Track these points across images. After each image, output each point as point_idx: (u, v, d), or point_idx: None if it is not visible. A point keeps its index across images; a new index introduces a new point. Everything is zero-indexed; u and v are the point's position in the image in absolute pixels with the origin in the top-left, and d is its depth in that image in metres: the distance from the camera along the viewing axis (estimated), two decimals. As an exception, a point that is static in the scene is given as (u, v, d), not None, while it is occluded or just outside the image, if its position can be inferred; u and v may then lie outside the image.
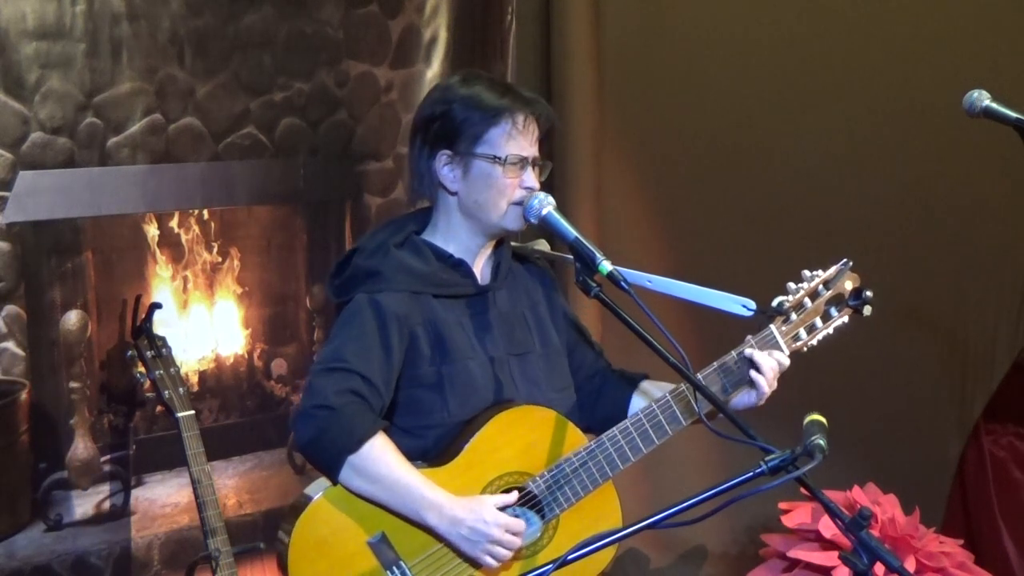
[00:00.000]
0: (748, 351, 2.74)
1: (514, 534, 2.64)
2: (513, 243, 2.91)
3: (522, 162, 2.72)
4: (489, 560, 2.64)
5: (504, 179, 2.72)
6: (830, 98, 4.51)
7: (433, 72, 4.03)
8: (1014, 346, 4.72)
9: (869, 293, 2.79)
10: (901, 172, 4.56)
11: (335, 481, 2.65)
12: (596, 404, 2.90)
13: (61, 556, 3.38)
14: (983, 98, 2.71)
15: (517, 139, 2.72)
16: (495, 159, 2.71)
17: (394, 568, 2.63)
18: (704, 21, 4.46)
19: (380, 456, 2.62)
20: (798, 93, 4.50)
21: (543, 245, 2.97)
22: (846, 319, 2.81)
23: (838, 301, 2.80)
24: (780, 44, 4.48)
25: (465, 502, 2.64)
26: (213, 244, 3.65)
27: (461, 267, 2.78)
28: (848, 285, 2.80)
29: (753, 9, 4.48)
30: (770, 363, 2.74)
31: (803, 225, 4.55)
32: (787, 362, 2.77)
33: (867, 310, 2.79)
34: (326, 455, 2.63)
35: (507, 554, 2.64)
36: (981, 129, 2.85)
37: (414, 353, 2.71)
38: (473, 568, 2.68)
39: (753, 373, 2.74)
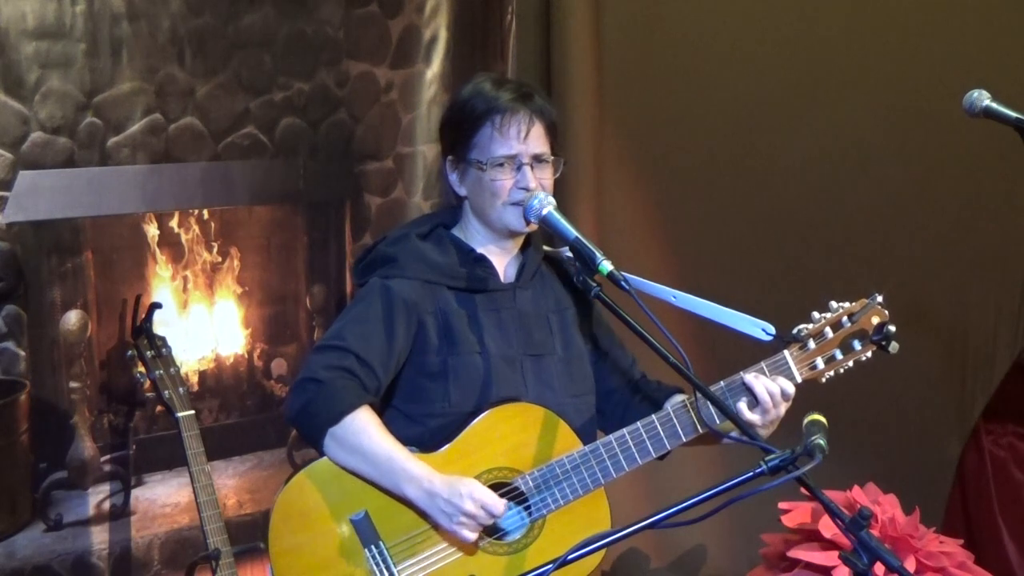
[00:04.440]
0: (746, 378, 2.72)
1: (491, 512, 2.64)
2: (546, 247, 2.92)
3: (509, 162, 2.74)
4: (465, 533, 2.65)
5: (492, 182, 2.74)
6: (829, 98, 4.51)
7: (433, 72, 4.03)
8: (1014, 346, 4.72)
9: (891, 328, 2.73)
10: (901, 172, 4.56)
11: (321, 453, 2.70)
12: (624, 417, 2.88)
13: (61, 556, 3.38)
14: (983, 98, 2.71)
15: (499, 140, 2.74)
16: (479, 163, 2.74)
17: (372, 547, 2.66)
18: (704, 21, 4.46)
19: (362, 429, 2.67)
20: (797, 93, 4.50)
21: None
22: (869, 354, 2.77)
23: (861, 335, 2.75)
24: (779, 44, 4.48)
25: (446, 477, 2.66)
26: (213, 244, 3.65)
27: (482, 262, 2.81)
28: (874, 320, 2.75)
29: (753, 9, 4.48)
30: (764, 393, 2.70)
31: (802, 224, 4.55)
32: (790, 388, 2.73)
33: (893, 347, 2.73)
34: (310, 426, 2.69)
35: (479, 527, 2.65)
36: (981, 129, 2.84)
37: (422, 341, 2.75)
38: (451, 554, 2.70)
39: (742, 408, 2.72)
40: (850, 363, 2.77)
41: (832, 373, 2.77)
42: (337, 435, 2.67)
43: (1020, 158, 2.63)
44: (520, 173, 2.75)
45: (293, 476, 2.74)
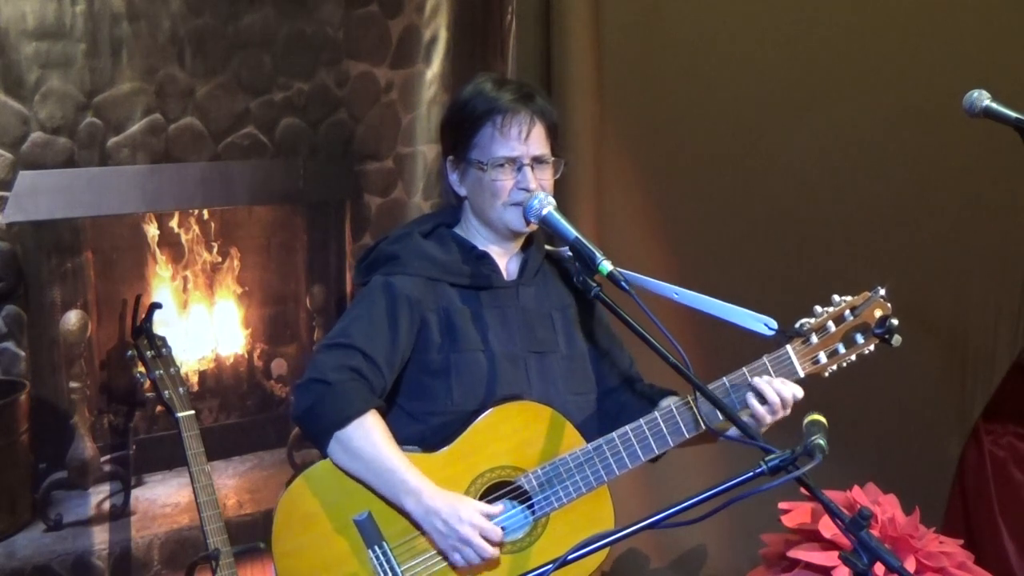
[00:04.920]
0: (755, 380, 2.72)
1: (489, 540, 2.64)
2: (548, 246, 2.92)
3: (509, 163, 2.74)
4: (457, 557, 2.65)
5: (493, 182, 2.74)
6: (829, 97, 4.51)
7: (433, 72, 4.03)
8: (1014, 346, 4.71)
9: (895, 322, 2.73)
10: (901, 172, 4.56)
11: (324, 454, 2.70)
12: (618, 416, 2.88)
13: (61, 556, 3.38)
14: (983, 98, 2.71)
15: (500, 141, 2.74)
16: (479, 163, 2.74)
17: (376, 548, 2.66)
18: (704, 20, 4.46)
19: (367, 435, 2.66)
20: (797, 92, 4.49)
21: None
22: (872, 347, 2.77)
23: (864, 329, 2.75)
24: (780, 43, 4.48)
25: (447, 495, 2.65)
26: (213, 244, 3.65)
27: (485, 260, 2.81)
28: (877, 313, 2.75)
29: (753, 8, 4.47)
30: (774, 396, 2.71)
31: (802, 224, 4.55)
32: (800, 393, 2.74)
33: (896, 340, 2.73)
34: (316, 428, 2.69)
35: (475, 557, 2.65)
36: (981, 129, 2.84)
37: (424, 338, 2.75)
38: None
39: (752, 401, 2.72)
40: (852, 357, 2.77)
41: (835, 367, 2.77)
42: (341, 439, 2.66)
43: (1020, 158, 2.63)
44: (521, 174, 2.75)
45: (295, 478, 2.74)
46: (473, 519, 2.63)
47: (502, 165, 2.74)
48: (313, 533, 2.69)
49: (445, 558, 2.68)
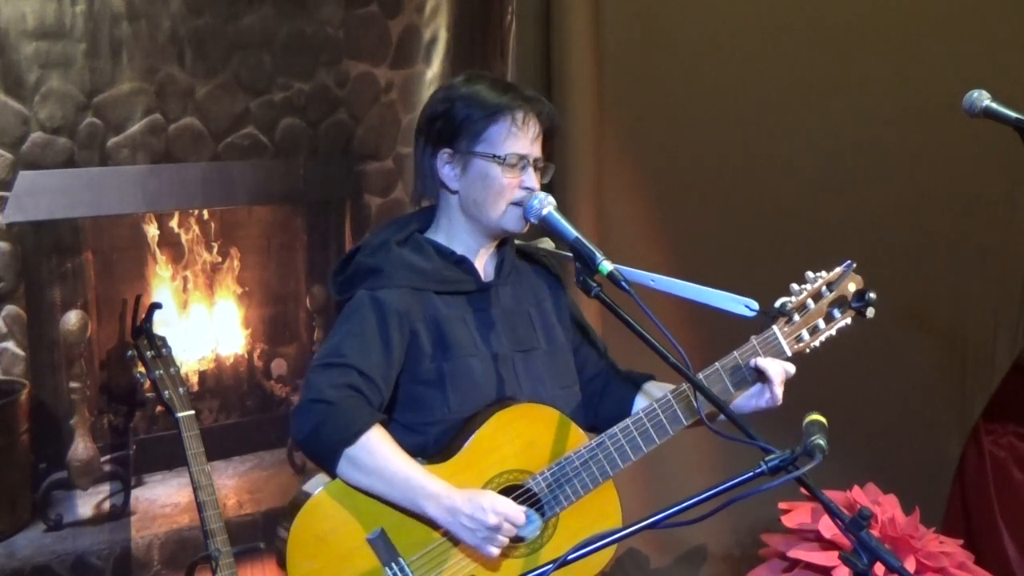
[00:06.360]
0: (754, 361, 2.74)
1: (514, 523, 2.63)
2: (517, 241, 2.91)
3: (521, 161, 2.72)
4: (491, 548, 2.63)
5: (503, 178, 2.72)
6: (830, 97, 4.51)
7: (433, 72, 4.03)
8: (1014, 346, 4.72)
9: (872, 295, 2.78)
10: (901, 172, 4.56)
11: (333, 475, 2.66)
12: (600, 403, 2.91)
13: (61, 556, 3.38)
14: (983, 98, 2.71)
15: (516, 137, 2.72)
16: (494, 158, 2.71)
17: (392, 565, 2.63)
18: (704, 21, 4.46)
19: (377, 448, 2.63)
20: (798, 92, 4.50)
21: (547, 244, 2.97)
22: (849, 321, 2.80)
23: (841, 303, 2.79)
24: (780, 44, 4.48)
25: (463, 491, 2.64)
26: (213, 244, 3.65)
27: (463, 264, 2.78)
28: (851, 287, 2.80)
29: (753, 8, 4.48)
30: (776, 369, 2.74)
31: (802, 224, 4.55)
32: (792, 369, 2.77)
33: (870, 312, 2.78)
34: (323, 448, 2.64)
35: (506, 541, 2.64)
36: (981, 129, 2.85)
37: (415, 349, 2.72)
38: (471, 563, 2.68)
39: (761, 384, 2.75)
40: (832, 331, 2.80)
41: (816, 344, 2.79)
42: (352, 456, 2.62)
43: (1020, 158, 2.63)
44: (525, 173, 2.74)
45: (304, 503, 2.67)
46: (496, 506, 2.61)
47: (514, 164, 2.72)
48: (328, 556, 2.65)
49: (472, 555, 2.67)
